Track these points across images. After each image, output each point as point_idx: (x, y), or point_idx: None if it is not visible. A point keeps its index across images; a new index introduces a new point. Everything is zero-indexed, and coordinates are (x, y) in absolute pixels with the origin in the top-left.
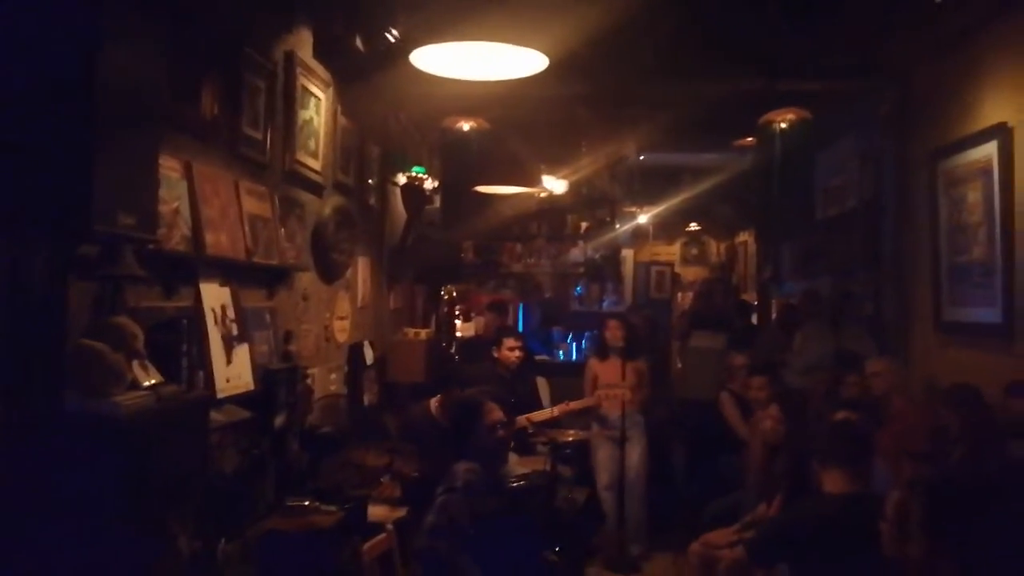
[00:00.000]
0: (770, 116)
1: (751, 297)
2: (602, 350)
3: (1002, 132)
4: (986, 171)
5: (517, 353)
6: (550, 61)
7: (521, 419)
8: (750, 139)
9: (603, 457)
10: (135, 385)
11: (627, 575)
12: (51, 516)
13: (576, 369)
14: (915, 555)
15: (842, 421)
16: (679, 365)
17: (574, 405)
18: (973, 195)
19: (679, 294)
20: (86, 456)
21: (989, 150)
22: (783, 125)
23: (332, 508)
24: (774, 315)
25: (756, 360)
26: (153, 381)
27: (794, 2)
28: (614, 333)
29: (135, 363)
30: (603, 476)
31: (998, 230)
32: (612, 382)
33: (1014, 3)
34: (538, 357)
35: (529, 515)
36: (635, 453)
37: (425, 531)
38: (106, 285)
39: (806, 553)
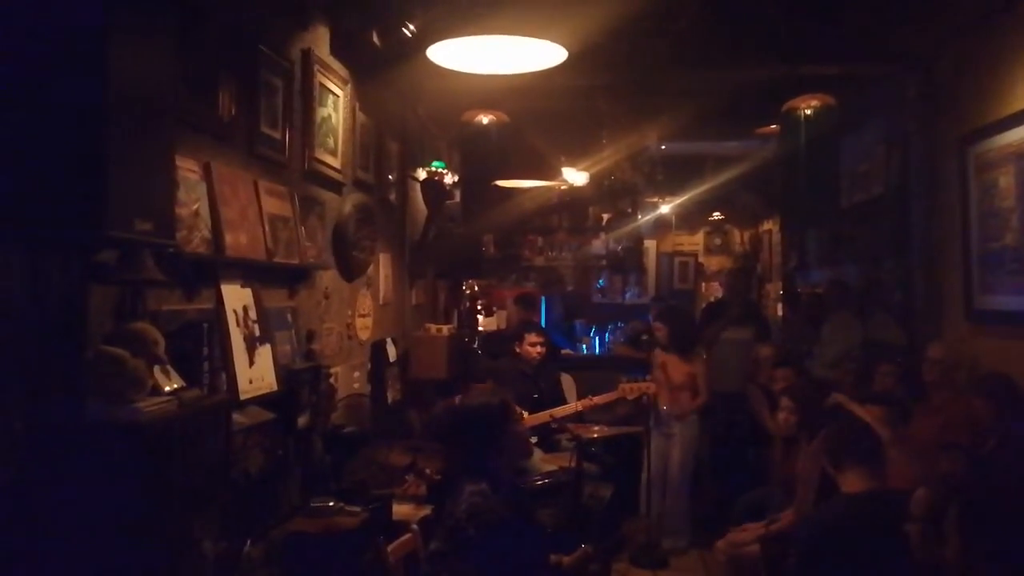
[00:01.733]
0: (794, 103)
1: (776, 287)
2: (639, 341)
3: None
4: (1019, 155)
5: (539, 349)
6: (569, 53)
7: (544, 415)
8: (773, 126)
9: (650, 449)
10: (156, 391)
11: (655, 571)
12: (73, 523)
13: (599, 363)
14: (950, 558)
15: (855, 420)
16: (705, 356)
17: (598, 400)
18: (1005, 180)
19: (703, 284)
20: (108, 463)
21: (1021, 133)
22: (808, 111)
23: (356, 509)
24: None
25: (782, 351)
26: (175, 386)
27: None
28: (659, 334)
29: (156, 368)
30: (654, 463)
31: None
32: (660, 380)
33: None
34: (563, 351)
35: (542, 517)
36: (676, 449)
37: (427, 557)
38: (126, 290)
39: (833, 556)
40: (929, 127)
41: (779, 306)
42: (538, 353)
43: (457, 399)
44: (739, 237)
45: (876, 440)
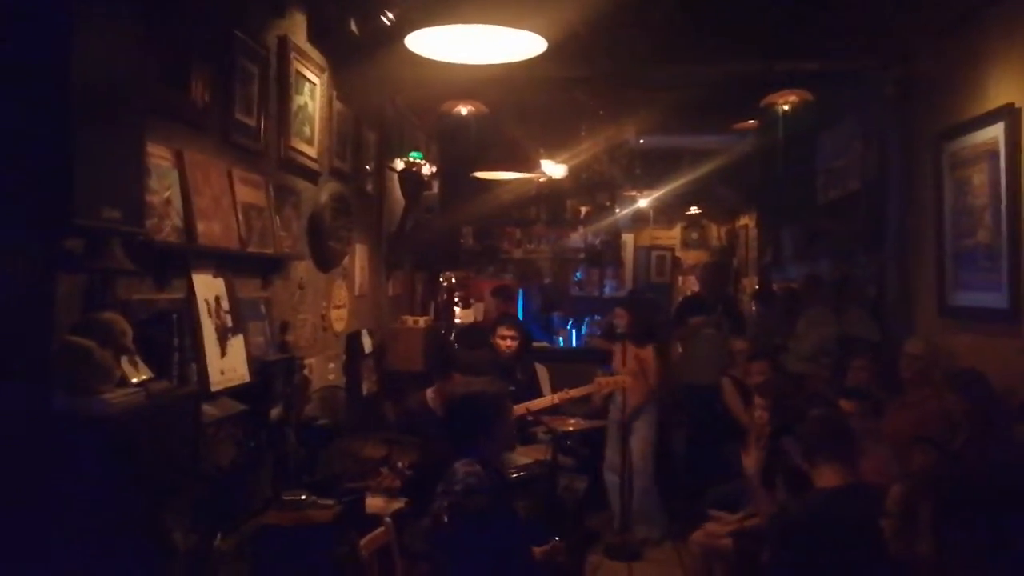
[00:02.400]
0: (772, 98)
1: (752, 281)
2: (612, 333)
3: (1009, 113)
4: (992, 153)
5: (509, 343)
6: (548, 44)
7: (520, 407)
8: (751, 122)
9: (609, 438)
10: (124, 382)
11: (629, 563)
12: (40, 517)
13: (577, 355)
14: (924, 553)
15: (824, 415)
16: (680, 350)
17: (574, 392)
18: (979, 177)
19: (680, 278)
20: (74, 455)
21: (995, 132)
22: (785, 107)
23: (329, 502)
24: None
25: (756, 345)
26: (143, 377)
27: None
28: (619, 320)
29: (124, 359)
30: (608, 455)
31: (1004, 213)
32: (617, 368)
33: None
34: (537, 343)
35: (518, 509)
36: (637, 439)
37: (421, 534)
38: (95, 279)
39: (808, 550)
40: (905, 124)
41: (752, 302)
42: (507, 347)
43: (429, 392)
44: (716, 232)
45: (849, 434)
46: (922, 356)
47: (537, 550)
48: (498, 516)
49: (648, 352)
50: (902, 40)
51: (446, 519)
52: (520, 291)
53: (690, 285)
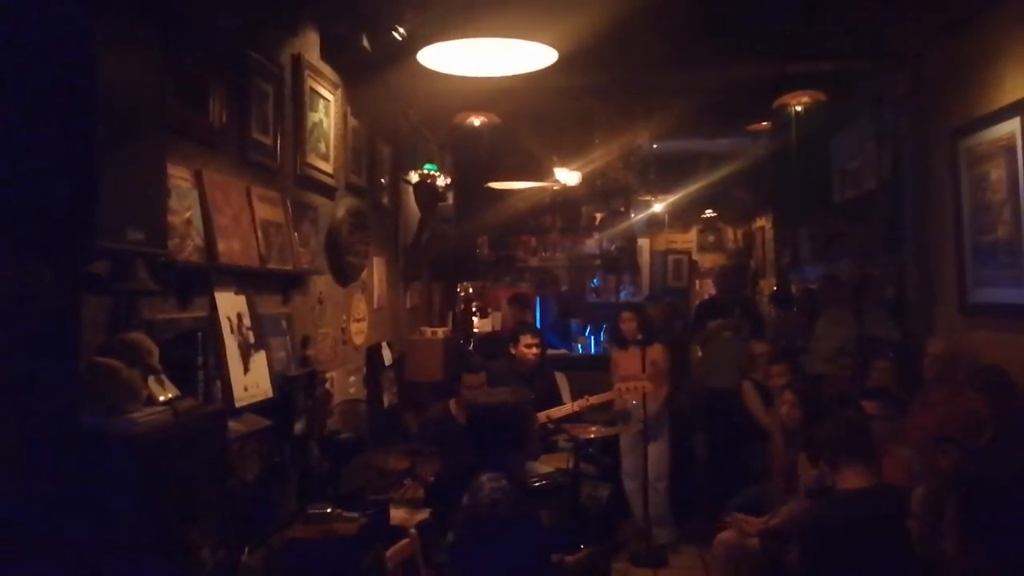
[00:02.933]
0: (785, 99)
1: (769, 283)
2: (620, 339)
3: None
4: (1009, 148)
5: (534, 351)
6: (559, 54)
7: (541, 416)
8: (764, 123)
9: (625, 446)
10: (151, 401)
11: (654, 569)
12: (70, 535)
13: (595, 363)
14: (950, 552)
15: (845, 417)
16: (699, 353)
17: (594, 400)
18: (996, 173)
19: (697, 281)
20: (103, 474)
21: (1012, 127)
22: (798, 108)
23: (354, 515)
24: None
25: (776, 348)
26: (170, 396)
27: None
28: (628, 325)
29: (151, 379)
30: (625, 464)
31: (1023, 208)
32: (632, 374)
33: None
34: (554, 351)
35: (542, 518)
36: (656, 445)
37: (446, 547)
38: (120, 300)
39: (835, 551)
40: (919, 122)
41: (771, 304)
42: (533, 355)
43: (452, 401)
44: (732, 234)
45: (870, 436)
46: (944, 356)
47: (569, 558)
48: (520, 526)
49: (659, 353)
50: (913, 38)
51: (468, 532)
52: (537, 299)
53: (707, 288)
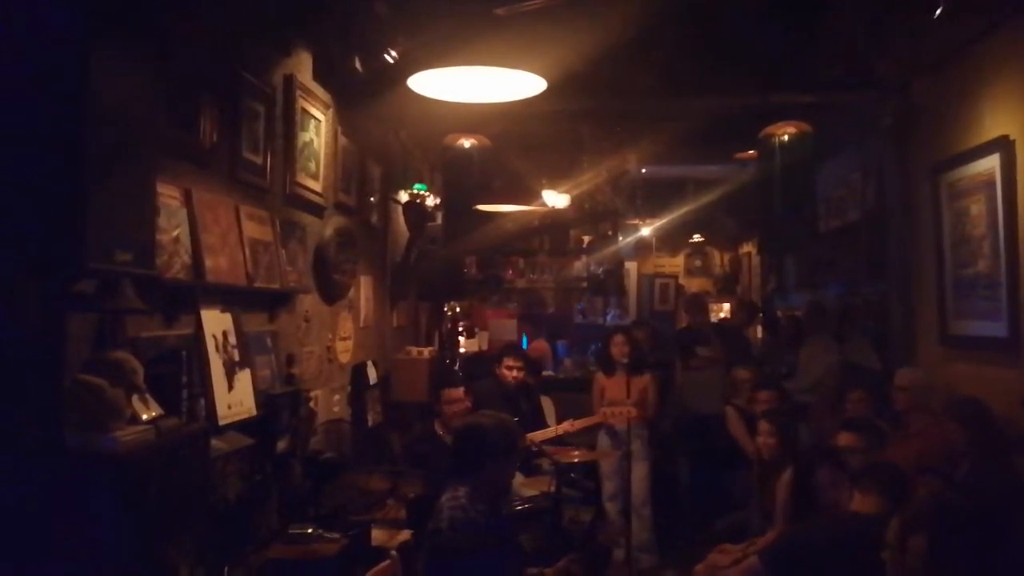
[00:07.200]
0: (770, 130)
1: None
2: (608, 365)
3: (1004, 145)
4: (989, 184)
5: (515, 373)
6: (549, 80)
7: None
8: (751, 152)
9: (607, 469)
10: (135, 420)
11: None
12: (51, 553)
13: (580, 385)
14: None
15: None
16: (680, 379)
17: (579, 424)
18: (976, 207)
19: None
20: (85, 492)
21: (991, 163)
22: (784, 138)
23: (335, 535)
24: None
25: (760, 374)
26: (153, 415)
27: (791, 15)
28: (620, 349)
29: (135, 397)
30: (607, 486)
31: (1002, 243)
32: (618, 398)
33: (1013, 17)
34: (545, 373)
35: (523, 541)
36: (639, 469)
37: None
38: (105, 318)
39: (819, 570)
40: (903, 155)
41: (758, 329)
42: (514, 377)
43: (437, 422)
44: (719, 259)
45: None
46: (909, 387)
47: (548, 570)
48: (493, 548)
49: (645, 379)
50: (898, 73)
51: (429, 557)
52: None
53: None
